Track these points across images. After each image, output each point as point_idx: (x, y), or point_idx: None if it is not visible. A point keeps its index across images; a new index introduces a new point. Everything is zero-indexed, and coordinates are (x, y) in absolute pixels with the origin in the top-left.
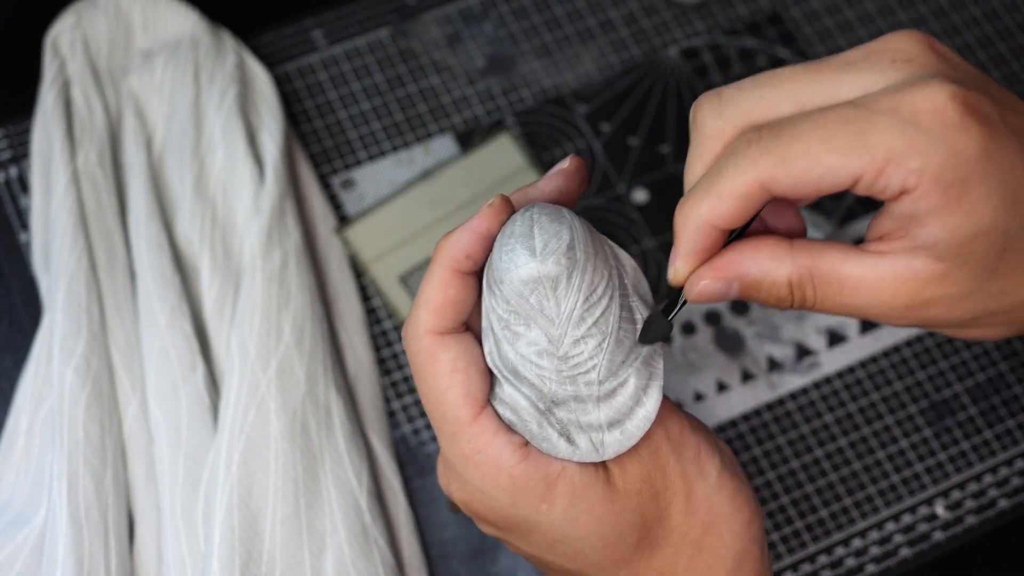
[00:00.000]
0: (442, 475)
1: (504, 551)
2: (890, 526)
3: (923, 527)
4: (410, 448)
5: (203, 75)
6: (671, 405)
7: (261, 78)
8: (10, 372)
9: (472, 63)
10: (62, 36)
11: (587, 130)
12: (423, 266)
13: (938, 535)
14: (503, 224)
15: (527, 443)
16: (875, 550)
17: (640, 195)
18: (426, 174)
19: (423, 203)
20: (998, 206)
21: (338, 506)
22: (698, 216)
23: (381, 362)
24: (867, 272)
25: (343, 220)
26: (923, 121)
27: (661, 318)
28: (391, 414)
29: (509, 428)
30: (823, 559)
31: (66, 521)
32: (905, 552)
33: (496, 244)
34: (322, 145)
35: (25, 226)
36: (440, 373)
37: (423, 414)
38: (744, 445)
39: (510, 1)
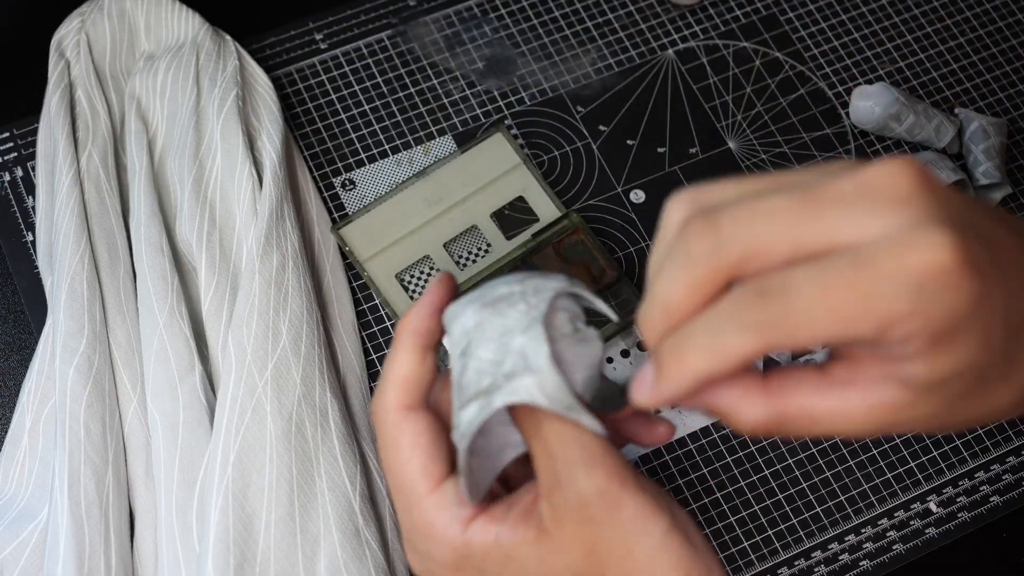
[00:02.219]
0: (406, 551)
1: None
2: (884, 522)
3: (916, 523)
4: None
5: (204, 78)
6: (614, 463)
7: (262, 82)
8: (15, 371)
9: (471, 65)
10: (67, 39)
11: (586, 131)
12: (418, 264)
13: (932, 531)
14: (454, 293)
15: (474, 516)
16: (869, 546)
17: (638, 195)
18: (420, 172)
19: (418, 201)
20: (977, 349)
21: (332, 508)
22: (695, 370)
23: (382, 361)
24: (837, 404)
25: (341, 218)
26: (926, 283)
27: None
28: None
29: (460, 503)
30: (817, 555)
31: (67, 518)
32: (899, 548)
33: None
34: (323, 146)
35: (30, 226)
36: (403, 445)
37: None
38: (740, 443)
39: (510, 3)
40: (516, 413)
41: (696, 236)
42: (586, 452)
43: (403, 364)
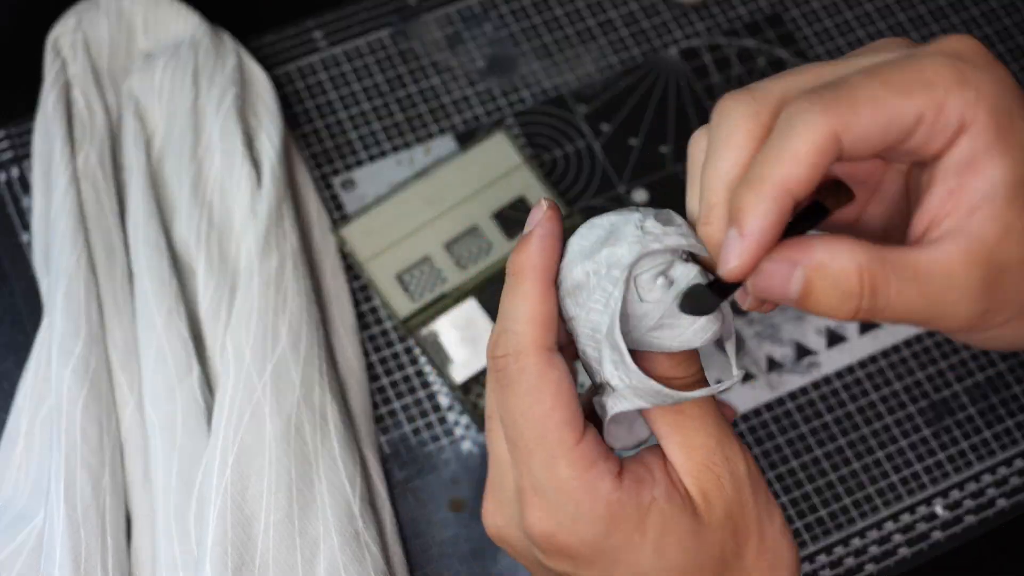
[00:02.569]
0: (494, 524)
1: (505, 551)
2: (889, 525)
3: (922, 526)
4: (410, 448)
5: (203, 77)
6: (746, 448)
7: (261, 80)
8: (11, 373)
9: (472, 64)
10: (63, 37)
11: (587, 130)
12: (419, 264)
13: (937, 534)
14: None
15: (622, 470)
16: (874, 549)
17: (640, 195)
18: (421, 172)
19: (419, 201)
20: None
21: (331, 511)
22: (774, 183)
23: (382, 362)
24: (936, 256)
25: (341, 218)
26: (967, 56)
27: (704, 292)
28: (392, 414)
29: (607, 457)
30: (822, 559)
31: (63, 521)
32: (904, 551)
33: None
34: (323, 146)
35: (27, 227)
36: (547, 393)
37: (423, 414)
38: (744, 445)
39: (510, 2)
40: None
41: (731, 99)
42: (734, 437)
43: (535, 301)
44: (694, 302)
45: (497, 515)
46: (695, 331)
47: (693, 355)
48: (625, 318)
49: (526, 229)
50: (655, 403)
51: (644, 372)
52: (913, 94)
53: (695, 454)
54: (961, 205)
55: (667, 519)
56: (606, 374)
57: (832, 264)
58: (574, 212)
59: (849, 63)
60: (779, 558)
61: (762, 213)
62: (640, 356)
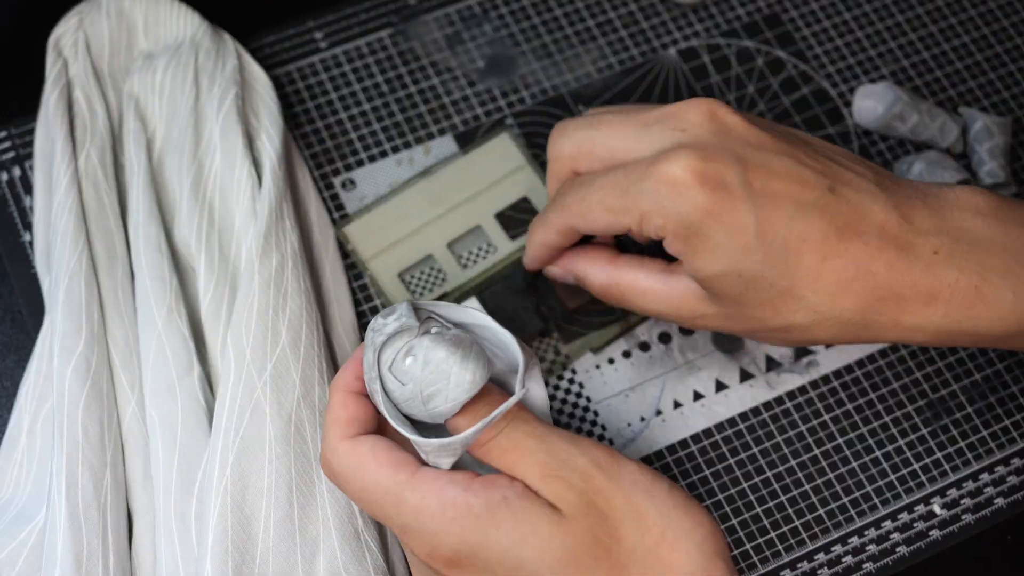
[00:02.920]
0: (416, 568)
1: None
2: (887, 524)
3: (920, 526)
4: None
5: (203, 77)
6: (596, 442)
7: (261, 81)
8: (13, 372)
9: (472, 64)
10: (65, 37)
11: None
12: (422, 263)
13: (935, 533)
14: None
15: (470, 477)
16: (872, 548)
17: None
18: (425, 172)
19: (422, 200)
20: (728, 255)
21: (331, 510)
22: (539, 238)
23: None
24: (660, 286)
25: (342, 217)
26: (664, 189)
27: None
28: None
29: (451, 475)
30: (820, 557)
31: (64, 520)
32: (902, 550)
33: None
34: (323, 146)
35: (28, 226)
36: (365, 462)
37: None
38: (743, 444)
39: (510, 2)
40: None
41: (551, 139)
42: (569, 437)
43: (337, 409)
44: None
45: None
46: (455, 387)
47: (476, 401)
48: (404, 406)
49: None
50: (456, 451)
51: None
52: (621, 216)
53: (531, 472)
54: (685, 267)
55: (518, 510)
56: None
57: (585, 279)
58: None
59: (634, 133)
60: (673, 530)
61: (531, 249)
62: (449, 425)
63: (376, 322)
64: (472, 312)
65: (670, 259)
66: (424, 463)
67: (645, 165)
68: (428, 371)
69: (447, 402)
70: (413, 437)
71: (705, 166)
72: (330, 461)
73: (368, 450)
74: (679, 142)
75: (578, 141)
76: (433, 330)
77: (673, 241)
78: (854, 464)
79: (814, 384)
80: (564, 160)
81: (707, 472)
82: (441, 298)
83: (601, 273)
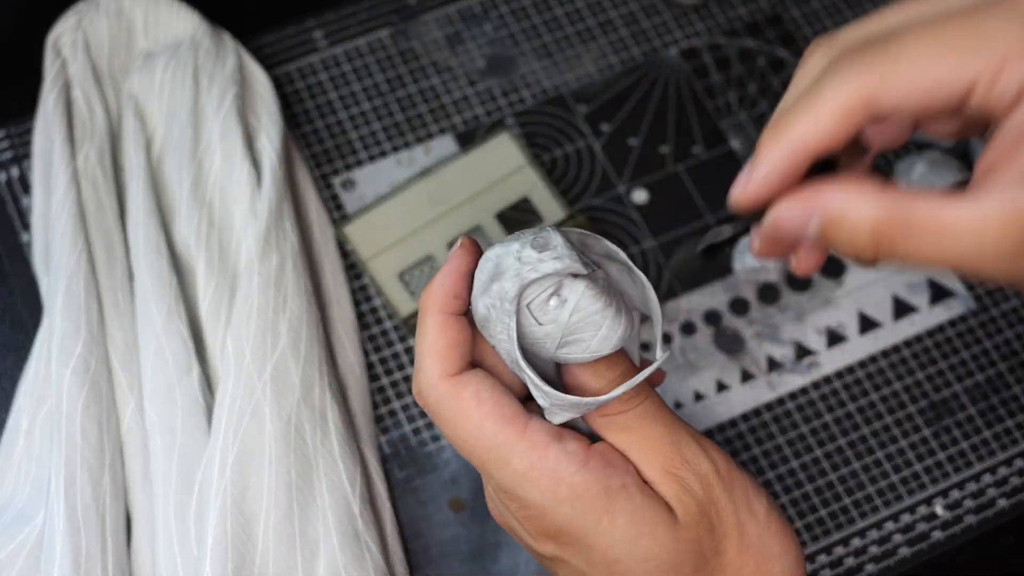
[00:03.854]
0: (497, 513)
1: (505, 551)
2: (889, 526)
3: (922, 527)
4: (410, 448)
5: (203, 77)
6: (717, 446)
7: (261, 81)
8: (12, 372)
9: (472, 64)
10: (63, 37)
11: (587, 130)
12: (422, 263)
13: (937, 535)
14: (477, 257)
15: (586, 449)
16: (874, 549)
17: (640, 195)
18: (425, 172)
19: (423, 200)
20: None
21: (331, 511)
22: (791, 135)
23: (382, 362)
24: (969, 213)
25: (343, 217)
26: None
27: (692, 259)
28: (392, 414)
29: (560, 437)
30: (822, 559)
31: (63, 521)
32: (904, 552)
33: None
34: (323, 145)
35: (27, 226)
36: (468, 409)
37: (423, 414)
38: (744, 445)
39: (510, 2)
40: (603, 410)
41: (812, 52)
42: (694, 433)
43: (436, 335)
44: (708, 255)
45: (492, 506)
46: (600, 340)
47: (611, 361)
48: (531, 343)
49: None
50: (583, 412)
51: (565, 386)
52: (966, 57)
53: (658, 460)
54: (1016, 169)
55: (637, 508)
56: (533, 394)
57: (847, 216)
58: (575, 212)
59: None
60: (766, 552)
61: (773, 159)
62: (564, 369)
63: (526, 253)
64: (616, 250)
65: None
66: (528, 409)
67: (998, 4)
68: (576, 318)
69: (585, 352)
70: (544, 388)
71: None
72: (427, 398)
73: (472, 395)
74: None
75: (863, 32)
76: (586, 273)
77: None
78: (855, 465)
79: (815, 385)
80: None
81: None
82: None
83: (873, 204)
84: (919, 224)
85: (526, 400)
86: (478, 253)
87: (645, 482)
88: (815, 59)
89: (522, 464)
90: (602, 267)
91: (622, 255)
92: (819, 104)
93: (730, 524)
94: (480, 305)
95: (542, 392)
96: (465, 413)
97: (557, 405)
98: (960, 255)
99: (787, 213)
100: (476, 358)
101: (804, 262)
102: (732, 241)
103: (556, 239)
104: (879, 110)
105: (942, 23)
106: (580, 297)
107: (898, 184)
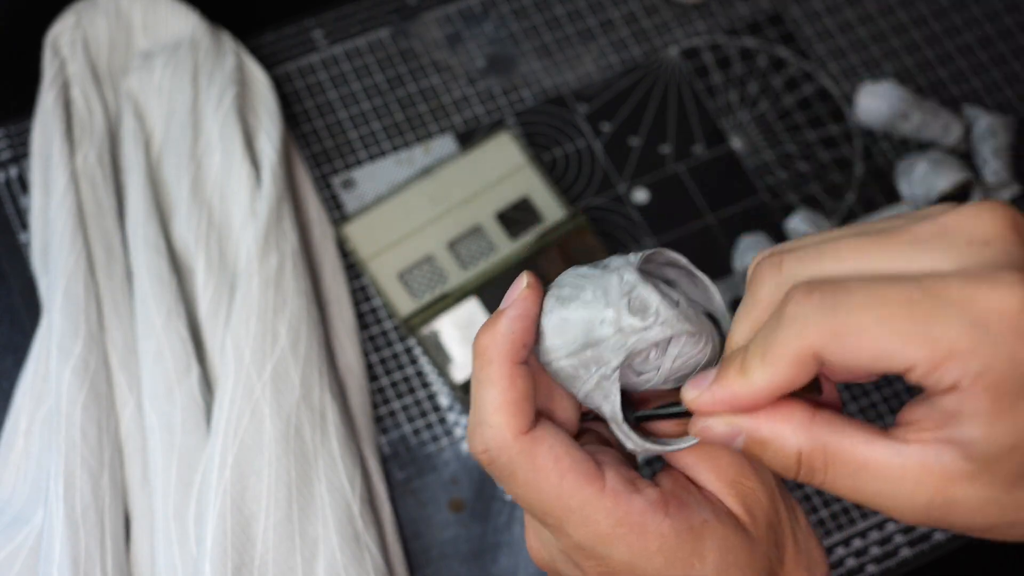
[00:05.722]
0: (539, 549)
1: (505, 551)
2: (891, 526)
3: (924, 527)
4: (410, 448)
5: (202, 77)
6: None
7: (260, 80)
8: (10, 372)
9: (472, 63)
10: (62, 36)
11: (588, 130)
12: (422, 263)
13: (939, 535)
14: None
15: (664, 495)
16: (875, 550)
17: (640, 195)
18: (425, 171)
19: (422, 200)
20: None
21: (331, 511)
22: (754, 382)
23: (382, 362)
24: (890, 458)
25: (343, 217)
26: (992, 324)
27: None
28: (392, 414)
29: (637, 487)
30: None
31: (62, 521)
32: (905, 552)
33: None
34: (322, 145)
35: (25, 226)
36: (546, 469)
37: (423, 414)
38: None
39: (511, 1)
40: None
41: (758, 277)
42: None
43: (507, 388)
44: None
45: (543, 551)
46: (697, 375)
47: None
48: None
49: (503, 304)
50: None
51: (647, 433)
52: (909, 345)
53: (725, 473)
54: (938, 434)
55: (722, 539)
56: (619, 438)
57: (773, 443)
58: (577, 212)
59: (896, 253)
60: (812, 559)
61: (736, 397)
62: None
63: (627, 322)
64: (677, 257)
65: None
66: (596, 460)
67: (957, 283)
68: (677, 364)
69: (674, 383)
70: (640, 442)
71: None
72: (497, 458)
73: (547, 451)
74: (992, 261)
75: (810, 274)
76: (692, 330)
77: (977, 397)
78: None
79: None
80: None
81: None
82: (441, 299)
83: (800, 435)
84: (839, 461)
85: (579, 435)
86: (542, 292)
87: (715, 504)
88: (762, 282)
89: (607, 521)
90: (678, 287)
91: (683, 260)
92: (775, 357)
93: (787, 534)
94: (566, 364)
95: (635, 442)
96: (542, 473)
97: (644, 451)
98: (875, 495)
99: (718, 426)
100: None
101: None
102: (665, 418)
103: (653, 298)
104: (828, 362)
105: (895, 300)
106: (680, 345)
107: (835, 414)
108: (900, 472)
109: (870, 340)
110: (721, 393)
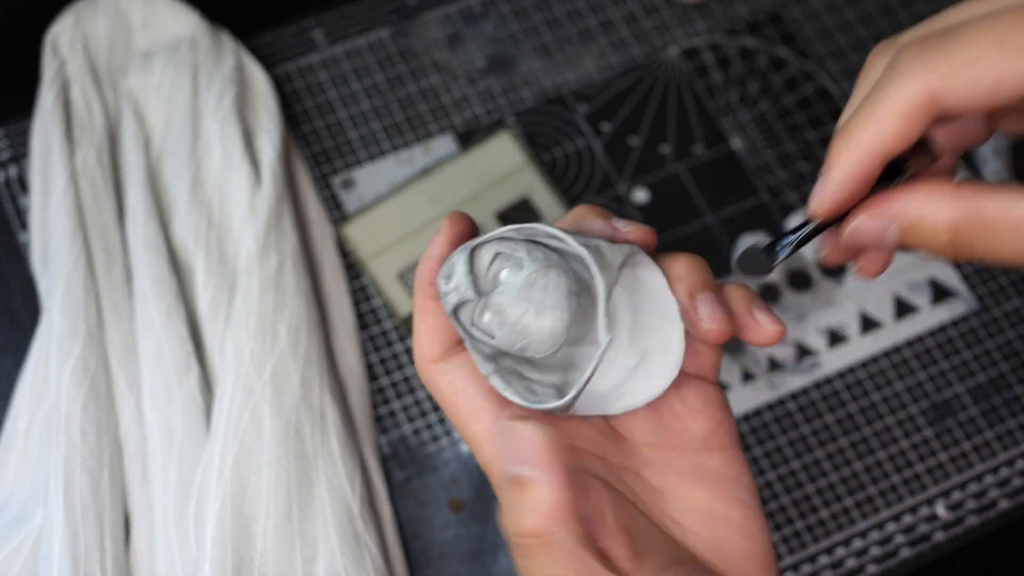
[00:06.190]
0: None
1: (504, 551)
2: (891, 526)
3: (924, 527)
4: (410, 448)
5: (201, 76)
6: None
7: (260, 80)
8: (10, 372)
9: (472, 63)
10: (62, 36)
11: (588, 130)
12: None
13: (939, 535)
14: (460, 237)
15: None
16: (876, 550)
17: (640, 195)
18: (425, 171)
19: (422, 200)
20: None
21: (331, 511)
22: (860, 140)
23: (382, 362)
24: None
25: (342, 217)
26: None
27: (758, 251)
28: (392, 414)
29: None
30: (824, 559)
31: (62, 521)
32: (906, 552)
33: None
34: (322, 145)
35: (25, 226)
36: (449, 397)
37: (423, 414)
38: (745, 445)
39: (511, 1)
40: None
41: (874, 56)
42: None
43: (420, 319)
44: (750, 262)
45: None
46: (539, 343)
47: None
48: (510, 348)
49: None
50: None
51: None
52: None
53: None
54: None
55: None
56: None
57: (923, 222)
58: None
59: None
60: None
61: (846, 166)
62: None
63: (440, 284)
64: (541, 230)
65: None
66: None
67: None
68: (507, 330)
69: (541, 353)
70: (516, 399)
71: None
72: (421, 377)
73: (448, 383)
74: None
75: (922, 30)
76: (500, 282)
77: None
78: (857, 465)
79: (817, 385)
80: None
81: None
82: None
83: (949, 207)
84: (993, 224)
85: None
86: (468, 226)
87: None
88: (878, 62)
89: (489, 454)
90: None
91: (554, 233)
92: (883, 107)
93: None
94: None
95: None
96: (447, 400)
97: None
98: None
99: (867, 223)
100: None
101: (871, 265)
102: (802, 243)
103: (456, 266)
104: (943, 109)
105: (1003, 20)
106: (495, 311)
107: (977, 180)
108: None
109: (989, 64)
110: (838, 175)
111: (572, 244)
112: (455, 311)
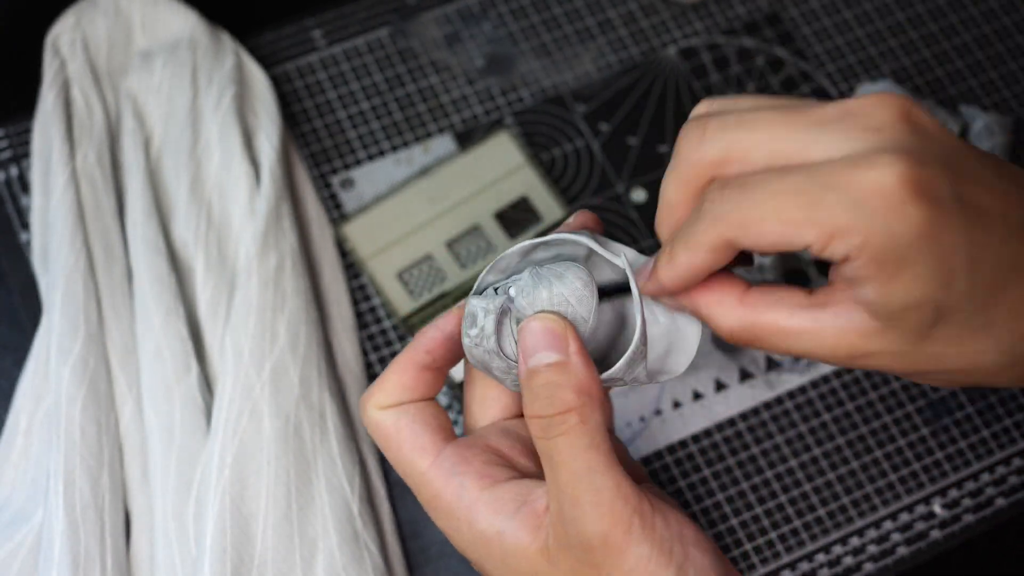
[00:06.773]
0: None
1: None
2: (888, 525)
3: (921, 526)
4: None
5: (201, 76)
6: (623, 509)
7: (259, 80)
8: (10, 372)
9: (471, 63)
10: (62, 36)
11: (586, 130)
12: (421, 263)
13: (936, 534)
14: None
15: (479, 490)
16: (873, 549)
17: (639, 195)
18: (424, 171)
19: (421, 200)
20: (930, 283)
21: (330, 511)
22: (680, 263)
23: (382, 361)
24: (811, 324)
25: (342, 216)
26: (868, 200)
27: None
28: None
29: (462, 471)
30: (821, 557)
31: (62, 520)
32: (903, 551)
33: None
34: (321, 145)
35: (26, 226)
36: (388, 440)
37: None
38: (743, 444)
39: (509, 1)
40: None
41: (685, 138)
42: (595, 494)
43: (391, 371)
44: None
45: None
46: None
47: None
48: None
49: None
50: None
51: None
52: (800, 229)
53: (555, 500)
54: (848, 295)
55: (507, 554)
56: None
57: (711, 320)
58: (575, 211)
59: (803, 134)
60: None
61: (669, 279)
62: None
63: (465, 333)
64: (527, 244)
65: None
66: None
67: (840, 169)
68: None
69: (588, 311)
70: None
71: (919, 175)
72: (363, 419)
73: (390, 424)
74: (878, 146)
75: (727, 144)
76: (511, 297)
77: (866, 265)
78: (854, 464)
79: (814, 384)
80: (704, 166)
81: (707, 472)
82: (440, 298)
83: (731, 315)
84: (765, 334)
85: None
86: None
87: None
88: (688, 145)
89: (428, 491)
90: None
91: (558, 236)
92: (694, 242)
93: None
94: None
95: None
96: (387, 443)
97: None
98: (805, 352)
99: (673, 301)
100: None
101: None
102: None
103: (481, 318)
104: (741, 247)
105: (787, 192)
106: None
107: (767, 286)
108: (821, 334)
109: (770, 228)
110: (657, 276)
111: (571, 237)
112: (485, 354)
